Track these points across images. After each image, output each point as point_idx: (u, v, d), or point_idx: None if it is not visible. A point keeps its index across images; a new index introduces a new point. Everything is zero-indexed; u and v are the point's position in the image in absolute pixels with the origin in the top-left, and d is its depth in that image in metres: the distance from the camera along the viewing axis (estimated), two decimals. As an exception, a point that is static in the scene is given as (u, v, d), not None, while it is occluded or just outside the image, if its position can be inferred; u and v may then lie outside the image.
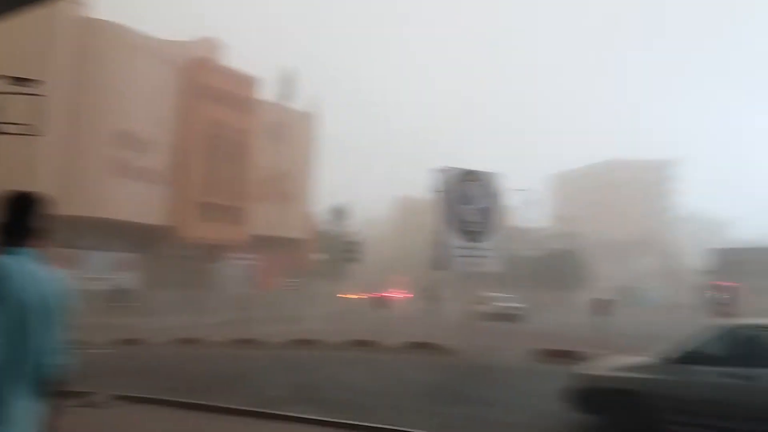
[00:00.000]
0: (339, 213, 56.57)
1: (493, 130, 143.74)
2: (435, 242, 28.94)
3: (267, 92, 43.38)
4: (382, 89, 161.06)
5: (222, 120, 38.70)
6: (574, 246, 60.85)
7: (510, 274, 37.53)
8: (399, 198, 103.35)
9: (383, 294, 21.59)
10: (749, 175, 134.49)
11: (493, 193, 29.97)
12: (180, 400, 9.47)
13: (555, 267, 52.94)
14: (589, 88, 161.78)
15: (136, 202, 34.15)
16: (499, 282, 39.41)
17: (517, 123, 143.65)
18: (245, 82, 40.74)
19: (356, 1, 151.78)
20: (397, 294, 53.61)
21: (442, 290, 30.43)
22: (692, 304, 44.64)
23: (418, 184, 62.21)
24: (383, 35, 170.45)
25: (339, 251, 37.02)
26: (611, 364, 8.94)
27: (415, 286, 57.37)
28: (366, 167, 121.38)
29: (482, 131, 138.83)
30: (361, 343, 18.04)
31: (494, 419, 8.84)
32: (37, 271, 2.50)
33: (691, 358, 7.52)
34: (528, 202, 57.80)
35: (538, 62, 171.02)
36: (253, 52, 64.71)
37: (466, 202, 28.84)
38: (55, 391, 2.55)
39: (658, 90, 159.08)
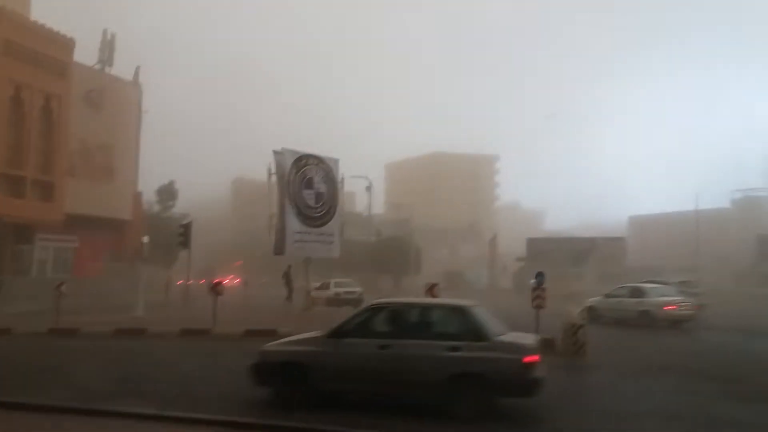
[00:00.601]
0: (168, 193, 53.30)
1: (330, 116, 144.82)
2: (274, 226, 28.35)
3: (86, 57, 39.36)
4: (220, 66, 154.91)
5: (29, 82, 34.35)
6: (407, 232, 63.55)
7: (348, 259, 38.10)
8: (236, 179, 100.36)
9: (218, 280, 20.67)
10: (561, 171, 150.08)
11: (331, 178, 29.98)
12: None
13: (389, 252, 54.83)
14: (420, 85, 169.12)
15: None
16: (337, 267, 39.86)
17: (352, 111, 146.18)
18: (58, 42, 36.46)
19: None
20: (232, 280, 51.99)
21: (292, 275, 29.55)
22: (512, 288, 48.91)
23: (256, 165, 60.79)
24: (223, 12, 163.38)
25: (169, 234, 34.90)
26: (286, 339, 9.81)
27: (253, 271, 56.09)
28: (200, 145, 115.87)
29: (319, 116, 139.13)
30: (193, 332, 17.20)
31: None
32: None
33: (347, 332, 8.78)
34: (364, 188, 59.17)
35: (373, 55, 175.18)
36: (69, 11, 58.57)
37: (305, 186, 28.55)
38: None
39: (483, 89, 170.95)
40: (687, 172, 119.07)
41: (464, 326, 8.55)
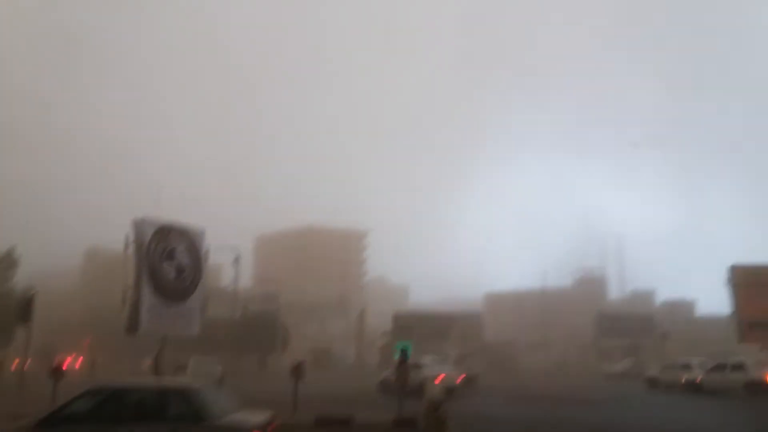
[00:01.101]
0: (8, 262, 48.27)
1: (197, 185, 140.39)
2: (129, 301, 26.57)
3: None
4: (74, 129, 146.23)
5: None
6: (275, 308, 62.10)
7: (211, 336, 36.37)
8: (90, 249, 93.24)
9: (59, 362, 18.59)
10: (424, 247, 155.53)
11: (195, 249, 28.94)
12: None
13: (255, 329, 53.08)
14: (292, 158, 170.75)
15: None
16: (199, 346, 37.77)
17: (222, 181, 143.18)
18: None
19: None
20: (75, 359, 47.48)
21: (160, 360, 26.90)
22: (378, 364, 49.00)
23: (113, 235, 57.06)
24: (79, 68, 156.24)
25: (8, 308, 31.45)
26: None
27: (104, 350, 51.55)
28: (50, 211, 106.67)
29: (185, 185, 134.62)
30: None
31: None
32: None
33: (57, 420, 8.15)
34: (230, 262, 57.44)
35: (241, 123, 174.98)
36: None
37: (166, 257, 27.29)
38: None
39: (353, 165, 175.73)
40: (537, 252, 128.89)
41: (185, 408, 8.37)
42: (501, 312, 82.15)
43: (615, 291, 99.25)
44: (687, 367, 30.74)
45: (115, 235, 34.60)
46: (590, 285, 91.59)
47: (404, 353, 17.22)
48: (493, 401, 22.22)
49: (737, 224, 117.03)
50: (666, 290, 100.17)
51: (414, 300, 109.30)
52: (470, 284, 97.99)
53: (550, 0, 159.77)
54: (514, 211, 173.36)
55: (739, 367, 26.36)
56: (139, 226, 26.51)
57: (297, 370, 17.64)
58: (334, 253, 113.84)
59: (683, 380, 29.06)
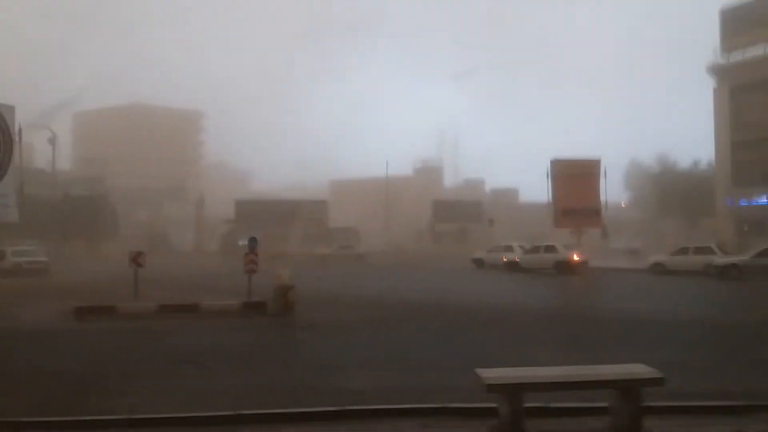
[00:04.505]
0: None
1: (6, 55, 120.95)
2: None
3: None
4: None
5: None
6: (101, 191, 57.66)
7: (28, 222, 33.05)
8: None
9: None
10: (268, 132, 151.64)
11: (4, 129, 25.58)
12: None
13: (80, 214, 49.03)
14: (119, 28, 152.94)
15: None
16: (15, 232, 34.26)
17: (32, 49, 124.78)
18: None
19: None
20: None
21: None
22: (217, 251, 48.30)
23: None
24: None
25: None
26: None
27: None
28: None
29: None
30: None
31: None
32: None
33: None
34: (48, 140, 51.76)
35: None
36: None
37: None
38: None
39: (181, 41, 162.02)
40: (381, 142, 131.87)
41: None
42: (346, 199, 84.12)
43: (450, 180, 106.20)
44: (509, 248, 34.74)
45: None
46: (428, 174, 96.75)
47: (254, 241, 17.08)
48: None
49: (551, 123, 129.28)
50: (494, 179, 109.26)
51: (256, 187, 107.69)
52: (315, 171, 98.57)
53: None
54: (359, 101, 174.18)
55: (551, 248, 30.78)
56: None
57: (137, 259, 16.80)
58: (167, 134, 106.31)
59: (505, 260, 32.64)
